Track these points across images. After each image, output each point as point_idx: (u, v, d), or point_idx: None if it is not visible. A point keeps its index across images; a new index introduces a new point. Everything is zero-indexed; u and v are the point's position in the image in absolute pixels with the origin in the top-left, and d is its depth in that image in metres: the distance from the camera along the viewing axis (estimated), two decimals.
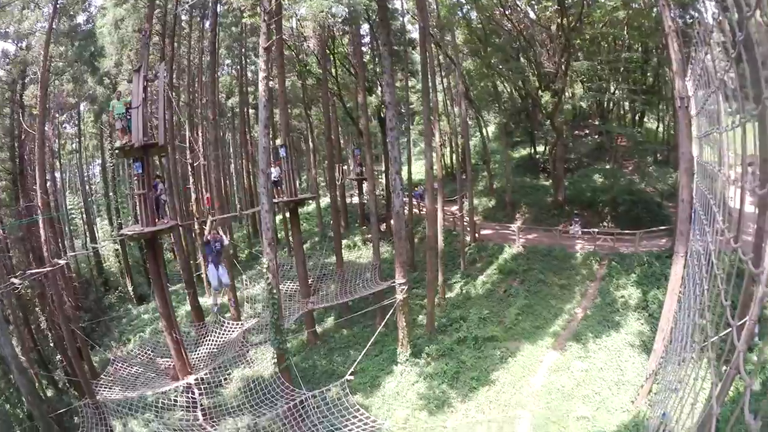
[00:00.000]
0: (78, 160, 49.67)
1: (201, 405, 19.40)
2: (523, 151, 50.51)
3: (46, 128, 27.97)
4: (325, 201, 47.92)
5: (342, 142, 54.15)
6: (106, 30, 34.22)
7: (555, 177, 38.68)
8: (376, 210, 30.81)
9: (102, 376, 21.93)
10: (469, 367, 23.09)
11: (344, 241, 38.75)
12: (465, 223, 34.84)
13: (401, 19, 41.15)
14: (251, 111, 48.98)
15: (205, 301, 33.26)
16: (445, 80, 43.04)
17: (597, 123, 42.73)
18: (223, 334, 23.15)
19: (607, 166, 38.67)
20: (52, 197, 35.17)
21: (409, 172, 38.62)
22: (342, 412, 16.48)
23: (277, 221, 42.73)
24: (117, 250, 49.11)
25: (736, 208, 23.03)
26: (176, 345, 18.90)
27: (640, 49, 38.52)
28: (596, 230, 31.79)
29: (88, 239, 47.58)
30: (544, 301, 27.34)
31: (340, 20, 35.24)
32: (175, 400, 20.78)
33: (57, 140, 44.90)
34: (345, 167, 48.22)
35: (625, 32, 34.73)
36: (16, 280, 18.15)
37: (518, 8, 38.28)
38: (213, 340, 23.17)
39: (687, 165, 16.89)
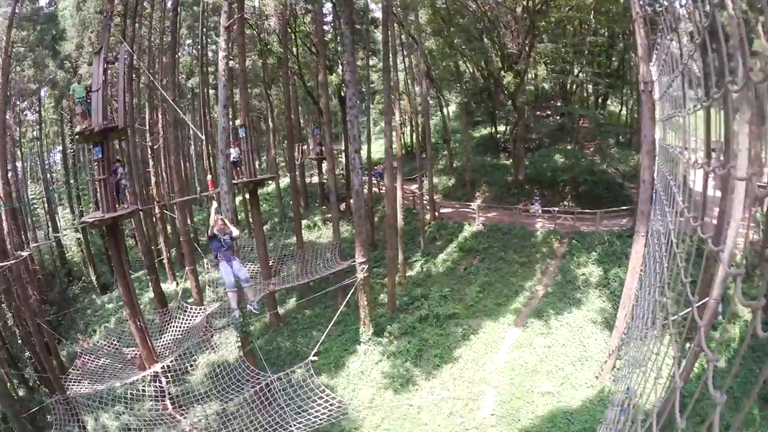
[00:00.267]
0: (39, 147, 48.25)
1: (169, 393, 19.25)
2: (483, 131, 50.63)
3: (6, 116, 27.23)
4: (285, 181, 47.48)
5: (302, 121, 53.58)
6: (68, 12, 33.45)
7: (515, 156, 38.88)
8: (335, 189, 30.62)
9: (70, 370, 21.42)
10: (432, 344, 23.34)
11: (304, 222, 38.59)
12: (425, 202, 35.04)
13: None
14: (211, 92, 48.19)
15: (168, 286, 32.90)
16: (406, 60, 42.90)
17: (559, 104, 43.08)
18: (187, 319, 22.71)
19: (569, 147, 39.08)
20: (13, 187, 34.23)
21: (369, 151, 38.52)
22: (308, 394, 16.44)
23: (237, 202, 42.37)
24: (79, 239, 48.06)
25: (699, 191, 23.50)
26: (141, 333, 18.59)
27: (606, 33, 38.85)
28: (557, 209, 32.17)
29: (50, 229, 46.46)
30: (505, 279, 27.66)
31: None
32: (144, 390, 20.46)
33: (18, 128, 43.74)
34: (305, 147, 47.90)
35: (592, 17, 34.95)
36: None
37: None
38: (177, 327, 22.68)
39: (649, 147, 17.14)
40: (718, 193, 21.18)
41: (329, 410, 15.64)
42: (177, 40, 34.92)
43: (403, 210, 31.40)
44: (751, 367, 18.92)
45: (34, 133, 49.81)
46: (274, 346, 26.02)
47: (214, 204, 13.07)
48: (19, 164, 44.18)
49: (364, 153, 34.74)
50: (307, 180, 47.02)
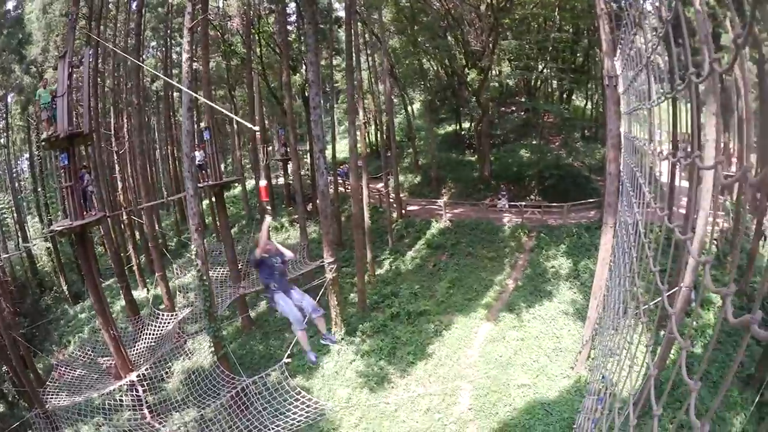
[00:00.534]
0: (6, 155, 47.27)
1: (146, 402, 19.06)
2: (448, 128, 50.86)
3: None
4: (251, 183, 47.25)
5: (267, 122, 53.34)
6: (35, 15, 32.91)
7: (481, 153, 39.18)
8: (301, 190, 30.58)
9: (48, 383, 20.96)
10: (405, 342, 23.42)
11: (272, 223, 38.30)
12: (391, 200, 35.03)
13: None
14: (176, 95, 47.64)
15: (139, 293, 32.45)
16: (370, 59, 42.94)
17: (524, 100, 43.34)
18: (159, 326, 22.50)
19: (534, 142, 39.38)
20: None
21: (334, 151, 38.61)
22: (284, 396, 16.36)
23: (204, 206, 42.02)
24: (49, 248, 47.00)
25: (666, 182, 23.81)
26: (114, 342, 18.35)
27: (570, 30, 39.22)
28: (523, 204, 32.38)
29: (20, 239, 45.57)
30: (474, 274, 27.86)
31: None
32: (121, 400, 20.21)
33: None
34: (270, 148, 47.61)
35: (556, 13, 35.31)
36: None
37: None
38: (150, 334, 22.43)
39: (614, 140, 17.38)
40: (686, 183, 21.56)
41: (306, 412, 15.58)
42: (142, 43, 34.56)
43: (370, 209, 31.35)
44: (728, 351, 19.40)
45: (1, 140, 48.84)
46: (247, 349, 25.82)
47: (268, 219, 9.48)
48: None
49: (329, 153, 34.74)
50: (273, 181, 46.65)
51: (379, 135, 49.71)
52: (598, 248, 19.62)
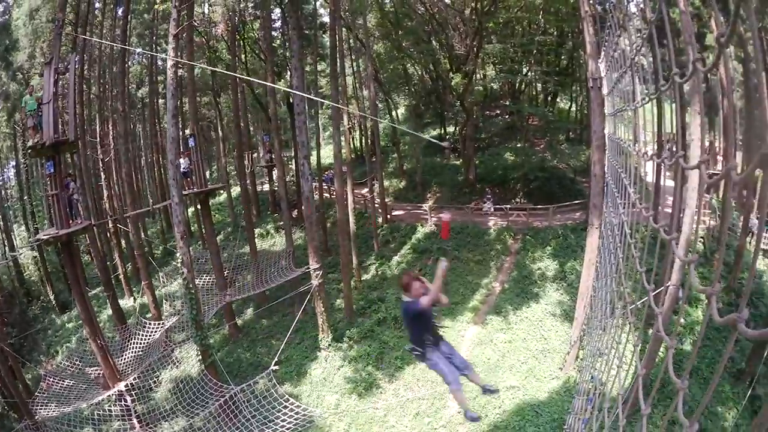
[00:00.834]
0: None
1: (135, 412, 18.91)
2: (433, 132, 50.83)
3: None
4: (236, 190, 47.06)
5: (251, 129, 53.19)
6: (21, 21, 32.68)
7: (465, 156, 39.19)
8: (286, 196, 30.50)
9: (37, 393, 20.85)
10: (392, 347, 23.36)
11: (257, 230, 38.20)
12: (376, 205, 34.95)
13: (313, 2, 40.70)
14: (161, 101, 47.41)
15: (125, 302, 32.25)
16: (355, 64, 42.96)
17: (508, 103, 43.53)
18: (146, 335, 22.44)
19: (519, 145, 39.50)
20: None
21: (319, 157, 38.46)
22: (272, 404, 16.38)
23: (190, 214, 41.82)
24: (36, 257, 46.55)
25: (652, 182, 23.92)
26: (102, 352, 18.24)
27: (555, 32, 39.44)
28: (508, 206, 32.45)
29: (6, 248, 45.13)
30: (461, 278, 27.89)
31: (251, 5, 34.64)
32: (110, 411, 20.06)
33: None
34: (255, 155, 47.48)
35: (541, 17, 35.51)
36: None
37: None
38: (137, 343, 22.37)
39: (599, 142, 17.48)
40: (672, 182, 21.64)
41: (295, 419, 15.60)
42: (127, 49, 34.38)
43: (355, 214, 31.34)
44: (717, 347, 19.55)
45: None
46: (234, 357, 25.70)
47: (445, 263, 7.55)
48: None
49: (313, 159, 34.66)
50: (259, 188, 46.61)
51: (363, 140, 49.75)
52: (584, 249, 19.79)
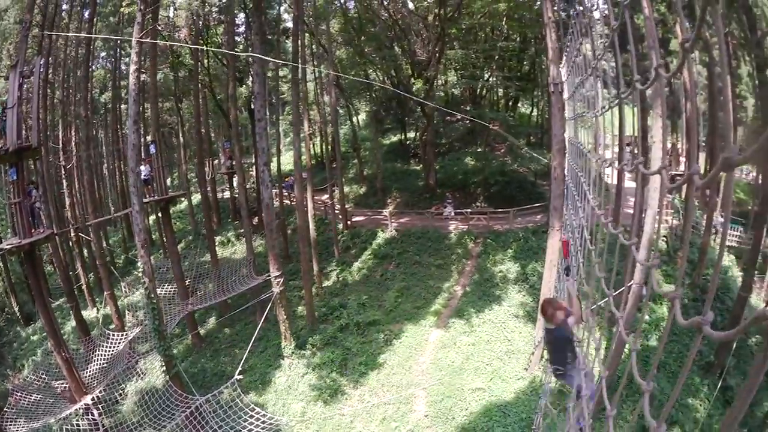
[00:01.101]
0: None
1: (103, 426, 18.50)
2: (393, 138, 51.29)
3: None
4: (197, 197, 46.57)
5: (213, 135, 52.87)
6: None
7: (426, 162, 39.52)
8: (246, 203, 30.24)
9: (6, 409, 20.23)
10: (356, 353, 23.35)
11: (218, 238, 37.87)
12: (336, 211, 34.94)
13: (278, 8, 40.65)
14: (123, 106, 46.62)
15: (89, 313, 31.61)
16: (317, 69, 42.95)
17: (469, 108, 43.85)
18: (110, 347, 21.94)
19: (479, 150, 39.84)
20: None
21: (279, 163, 38.35)
22: (238, 414, 16.26)
23: (151, 222, 41.30)
24: None
25: (613, 184, 24.33)
26: (67, 365, 17.76)
27: (518, 38, 39.92)
28: (469, 210, 32.84)
29: None
30: (422, 282, 28.05)
31: (216, 9, 34.42)
32: (78, 425, 19.63)
33: None
34: (216, 161, 47.10)
35: (504, 23, 35.88)
36: None
37: None
38: (102, 355, 21.84)
39: (559, 146, 17.74)
40: (633, 183, 21.98)
41: (262, 428, 15.51)
42: (92, 53, 33.84)
43: (315, 221, 31.25)
44: (685, 342, 20.00)
45: None
46: (198, 367, 25.33)
47: (572, 282, 7.52)
48: None
49: (274, 165, 34.53)
50: (219, 195, 46.15)
51: (324, 146, 49.70)
52: (545, 251, 19.98)
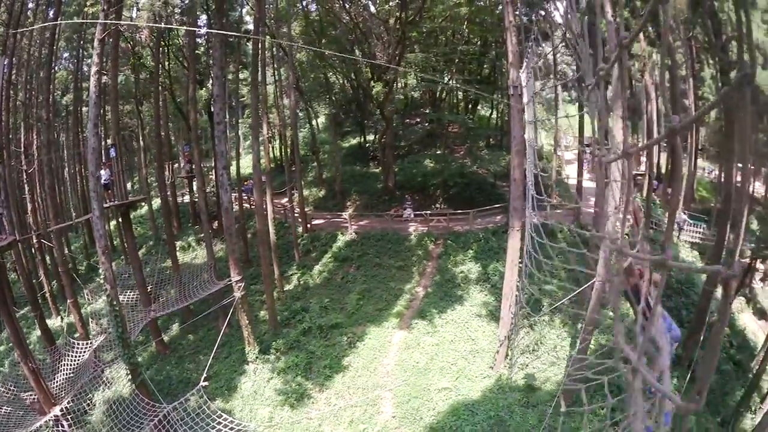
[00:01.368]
0: None
1: None
2: (352, 141, 51.47)
3: None
4: (157, 202, 46.04)
5: (173, 138, 52.33)
6: None
7: (385, 164, 39.70)
8: (206, 208, 29.95)
9: None
10: (320, 356, 23.33)
11: (179, 243, 37.45)
12: (296, 215, 34.90)
13: (240, 9, 40.44)
14: (84, 109, 45.77)
15: (53, 322, 30.94)
16: (277, 72, 42.83)
17: (428, 111, 44.17)
18: (76, 356, 21.58)
19: (438, 152, 40.13)
20: None
21: (238, 167, 38.19)
22: (206, 421, 16.15)
23: (112, 227, 40.69)
24: None
25: (574, 184, 24.72)
26: (34, 375, 17.43)
27: (478, 42, 40.24)
28: (428, 212, 33.11)
29: None
30: (383, 284, 28.25)
31: (178, 10, 34.13)
32: None
33: None
34: (176, 165, 46.64)
35: (465, 27, 36.18)
36: None
37: (359, 1, 39.01)
38: (68, 364, 21.45)
39: (518, 147, 18.04)
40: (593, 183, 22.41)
41: None
42: (55, 53, 33.21)
43: (275, 224, 31.17)
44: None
45: None
46: (164, 375, 24.93)
47: None
48: None
49: (233, 169, 34.34)
50: (180, 199, 45.73)
51: (283, 149, 49.59)
52: (506, 251, 20.25)
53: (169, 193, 38.88)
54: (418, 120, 46.01)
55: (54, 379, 21.04)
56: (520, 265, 17.89)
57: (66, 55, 45.27)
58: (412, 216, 33.61)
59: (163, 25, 28.88)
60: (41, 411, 18.38)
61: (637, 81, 29.84)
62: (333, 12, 37.76)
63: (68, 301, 28.42)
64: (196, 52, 36.72)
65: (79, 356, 21.52)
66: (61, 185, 46.42)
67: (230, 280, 23.30)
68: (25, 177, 31.94)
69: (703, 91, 32.32)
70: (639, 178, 29.83)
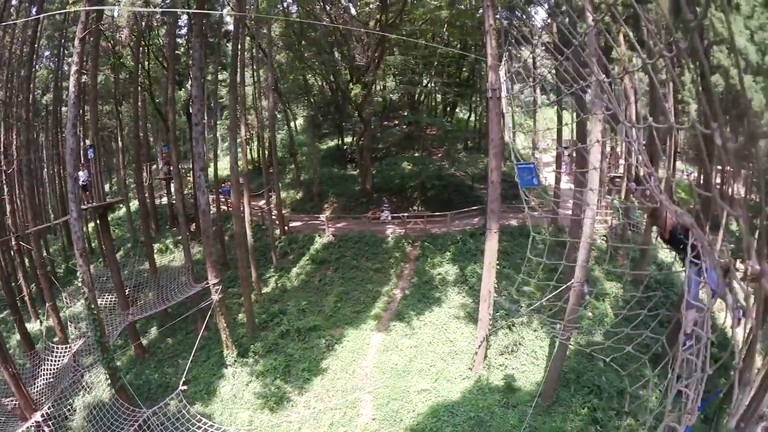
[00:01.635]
0: None
1: None
2: (330, 143, 51.42)
3: None
4: (135, 204, 45.65)
5: (151, 139, 51.98)
6: None
7: (362, 166, 39.78)
8: (184, 210, 29.83)
9: None
10: (298, 359, 23.31)
11: (156, 245, 36.95)
12: (273, 217, 34.85)
13: (221, 10, 40.13)
14: (64, 109, 45.22)
15: (32, 325, 30.60)
16: (256, 74, 42.73)
17: (407, 114, 44.26)
18: (55, 360, 21.30)
19: (416, 154, 40.24)
20: None
21: (216, 169, 38.14)
22: (186, 425, 16.12)
23: (90, 229, 40.36)
24: None
25: (552, 185, 24.97)
26: (15, 381, 17.26)
27: (458, 45, 40.36)
28: (406, 214, 33.26)
29: None
30: (361, 286, 28.28)
31: (160, 10, 33.91)
32: None
33: None
34: (154, 166, 46.35)
35: (445, 30, 36.28)
36: None
37: (339, 3, 39.05)
38: (48, 369, 21.16)
39: (496, 150, 18.19)
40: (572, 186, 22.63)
41: None
42: (36, 52, 32.81)
43: (253, 227, 30.98)
44: (630, 336, 20.78)
45: None
46: (143, 379, 24.69)
47: None
48: None
49: (211, 171, 34.19)
50: (157, 201, 45.37)
51: (261, 151, 49.50)
52: (483, 253, 20.39)
53: (147, 194, 38.52)
54: (396, 122, 46.03)
55: (34, 384, 20.79)
56: (498, 266, 18.06)
57: (47, 53, 44.83)
58: (390, 218, 33.68)
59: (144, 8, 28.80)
60: (23, 417, 18.21)
61: (616, 85, 30.16)
62: (313, 14, 37.70)
63: (47, 304, 28.16)
64: (176, 52, 36.46)
65: (59, 360, 21.28)
66: (40, 186, 45.87)
67: (208, 283, 23.13)
68: (4, 178, 31.53)
69: (683, 95, 32.74)
70: (618, 180, 30.15)
